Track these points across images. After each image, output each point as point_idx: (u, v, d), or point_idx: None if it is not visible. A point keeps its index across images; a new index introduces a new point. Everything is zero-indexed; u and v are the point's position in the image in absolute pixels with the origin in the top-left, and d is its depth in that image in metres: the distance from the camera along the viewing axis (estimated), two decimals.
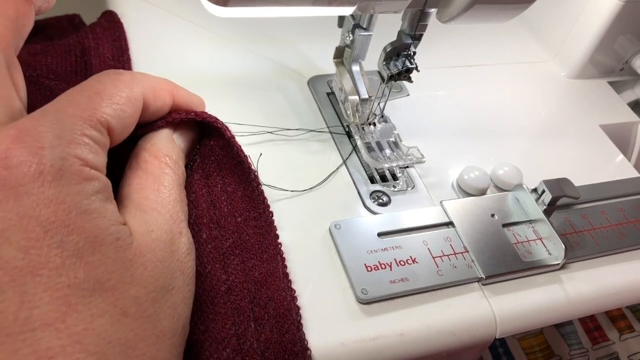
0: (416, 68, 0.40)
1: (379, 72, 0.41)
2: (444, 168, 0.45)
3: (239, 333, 0.31)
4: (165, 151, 0.31)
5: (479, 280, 0.38)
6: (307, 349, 0.32)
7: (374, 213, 0.40)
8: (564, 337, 0.67)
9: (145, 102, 0.30)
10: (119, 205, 0.28)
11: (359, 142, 0.43)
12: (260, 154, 0.40)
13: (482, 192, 0.43)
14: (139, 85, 0.30)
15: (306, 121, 0.45)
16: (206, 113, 0.35)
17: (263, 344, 0.31)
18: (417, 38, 0.39)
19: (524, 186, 0.42)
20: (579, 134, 0.52)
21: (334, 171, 0.42)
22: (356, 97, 0.43)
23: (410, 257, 0.38)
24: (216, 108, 0.40)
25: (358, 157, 0.43)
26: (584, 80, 0.59)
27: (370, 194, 0.41)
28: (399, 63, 0.39)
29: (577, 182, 0.42)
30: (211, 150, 0.36)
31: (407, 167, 0.43)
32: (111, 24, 0.59)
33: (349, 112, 0.44)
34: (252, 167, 0.36)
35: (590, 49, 0.56)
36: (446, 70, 0.55)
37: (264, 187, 0.37)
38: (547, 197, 0.41)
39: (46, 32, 0.61)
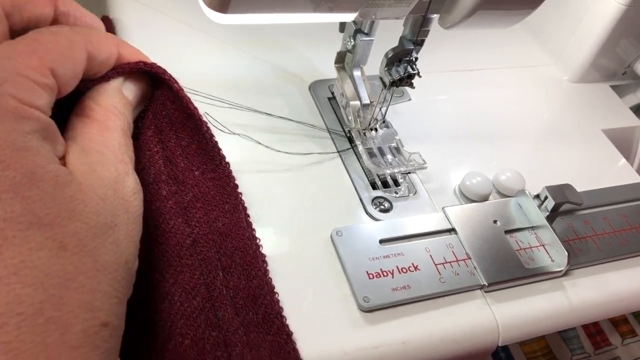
0: (418, 74, 0.39)
1: (381, 78, 0.40)
2: (445, 174, 0.45)
3: (207, 282, 0.32)
4: (111, 101, 0.31)
5: (481, 287, 0.38)
6: (274, 292, 0.34)
7: (376, 219, 0.40)
8: (566, 342, 0.67)
9: (89, 53, 0.30)
10: None
11: (360, 148, 0.43)
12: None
13: (485, 198, 0.43)
14: (79, 35, 0.30)
15: (307, 126, 0.45)
16: (155, 64, 0.34)
17: (232, 290, 0.33)
18: (419, 44, 0.39)
19: (527, 192, 0.42)
20: (582, 139, 0.52)
21: (321, 153, 0.43)
22: (358, 103, 0.43)
23: (412, 264, 0.37)
24: (219, 112, 0.40)
25: (360, 162, 0.43)
26: (586, 84, 0.58)
27: (372, 200, 0.41)
28: (401, 69, 0.39)
29: (580, 187, 0.42)
30: (163, 104, 0.35)
31: (409, 172, 0.43)
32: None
33: (350, 117, 0.44)
34: (203, 119, 0.35)
35: (592, 53, 0.56)
36: (447, 75, 0.54)
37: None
38: (550, 203, 0.40)
39: None
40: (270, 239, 0.37)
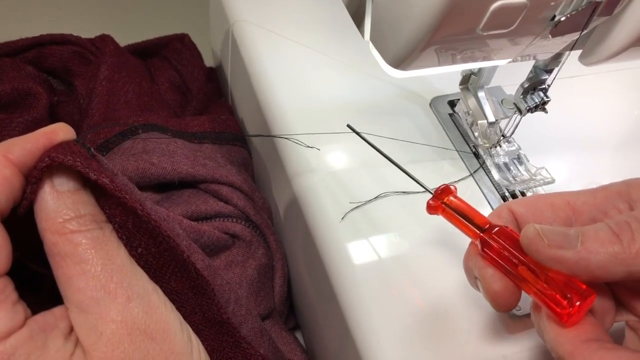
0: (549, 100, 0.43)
1: (515, 104, 0.44)
2: (564, 183, 0.49)
3: None
4: (60, 217, 0.26)
5: None
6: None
7: None
8: None
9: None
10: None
11: (488, 163, 0.47)
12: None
13: None
14: None
15: (433, 142, 0.49)
16: (54, 152, 0.26)
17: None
18: (550, 71, 0.43)
19: None
20: None
21: (460, 179, 0.46)
22: (484, 121, 0.47)
23: None
24: (352, 137, 0.45)
25: (489, 177, 0.47)
26: None
27: None
28: (536, 97, 0.43)
29: None
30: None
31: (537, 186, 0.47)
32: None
33: (476, 134, 0.48)
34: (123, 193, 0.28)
35: None
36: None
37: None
38: None
39: (162, 53, 0.65)
40: (417, 257, 0.42)
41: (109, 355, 0.25)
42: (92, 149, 0.28)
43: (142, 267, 0.29)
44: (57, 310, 0.26)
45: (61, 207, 0.26)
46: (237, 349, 0.34)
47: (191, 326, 0.31)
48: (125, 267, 0.27)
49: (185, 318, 0.30)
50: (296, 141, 0.46)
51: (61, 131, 0.27)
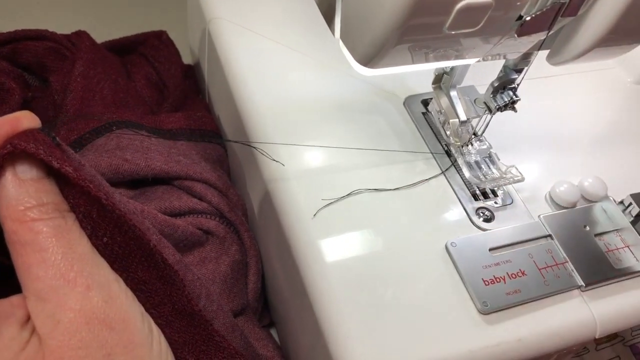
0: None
1: (486, 103, 0.45)
2: (535, 182, 0.49)
3: None
4: (21, 205, 0.25)
5: (578, 287, 0.43)
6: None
7: (481, 229, 0.45)
8: None
9: None
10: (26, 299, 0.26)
11: (459, 161, 0.48)
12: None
13: (573, 205, 0.48)
14: None
15: (406, 142, 0.50)
16: (16, 139, 0.26)
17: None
18: (519, 71, 0.44)
19: (611, 199, 0.47)
20: None
21: (431, 177, 0.47)
22: (456, 120, 0.48)
23: (520, 269, 0.43)
24: (324, 132, 0.45)
25: (459, 175, 0.48)
26: None
27: (476, 211, 0.46)
28: (505, 96, 0.44)
29: None
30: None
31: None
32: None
33: (448, 133, 0.48)
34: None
35: None
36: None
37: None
38: (635, 209, 0.46)
39: (139, 50, 0.65)
40: (391, 253, 0.42)
41: (65, 343, 0.25)
42: (56, 138, 0.28)
43: (108, 257, 0.28)
44: (15, 299, 0.26)
45: (22, 195, 0.25)
46: (210, 342, 0.34)
47: (160, 317, 0.31)
48: (86, 256, 0.26)
49: (154, 308, 0.30)
50: (262, 152, 0.46)
51: (25, 119, 0.27)
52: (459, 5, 0.31)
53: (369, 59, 0.36)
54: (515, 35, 0.35)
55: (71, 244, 0.26)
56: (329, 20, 0.37)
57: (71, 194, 0.27)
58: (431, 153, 0.49)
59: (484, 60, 0.39)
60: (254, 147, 0.47)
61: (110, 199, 0.28)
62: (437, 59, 0.36)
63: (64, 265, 0.25)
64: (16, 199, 0.25)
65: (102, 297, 0.26)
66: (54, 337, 0.25)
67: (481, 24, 0.33)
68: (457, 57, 0.37)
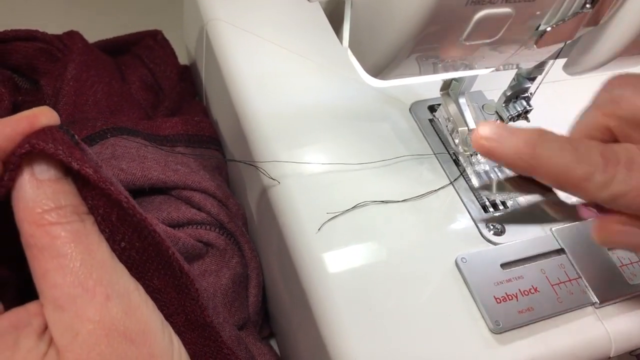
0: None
1: (498, 112, 0.43)
2: None
3: None
4: (39, 207, 0.24)
5: (592, 304, 0.42)
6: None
7: (492, 243, 0.43)
8: None
9: None
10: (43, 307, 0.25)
11: (468, 170, 0.46)
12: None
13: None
14: None
15: (412, 149, 0.48)
16: (35, 138, 0.25)
17: None
18: (532, 79, 0.42)
19: None
20: None
21: (440, 188, 0.45)
22: (465, 129, 0.46)
23: (532, 286, 0.41)
24: (325, 139, 0.43)
25: (468, 184, 0.46)
26: None
27: (486, 224, 0.44)
28: (518, 105, 0.42)
29: None
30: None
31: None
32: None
33: (457, 142, 0.47)
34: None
35: None
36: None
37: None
38: None
39: (134, 51, 0.63)
40: (397, 268, 0.41)
41: (84, 357, 0.24)
42: (75, 136, 0.26)
43: (125, 263, 0.27)
44: (31, 307, 0.25)
45: (40, 197, 0.24)
46: (219, 354, 0.33)
47: (174, 328, 0.29)
48: (105, 263, 0.25)
49: (167, 319, 0.29)
50: (262, 170, 0.44)
51: (43, 115, 0.26)
52: (478, 15, 0.30)
53: (379, 70, 0.34)
54: (535, 46, 0.33)
55: (90, 250, 0.25)
56: (336, 26, 0.35)
57: (90, 195, 0.26)
58: (437, 159, 0.47)
59: (496, 70, 0.37)
60: (255, 166, 0.45)
61: (131, 202, 0.27)
62: (451, 70, 0.35)
63: (83, 273, 0.24)
64: (34, 200, 0.24)
65: (122, 308, 0.25)
66: (72, 350, 0.24)
67: (500, 34, 0.31)
68: (470, 68, 0.36)
